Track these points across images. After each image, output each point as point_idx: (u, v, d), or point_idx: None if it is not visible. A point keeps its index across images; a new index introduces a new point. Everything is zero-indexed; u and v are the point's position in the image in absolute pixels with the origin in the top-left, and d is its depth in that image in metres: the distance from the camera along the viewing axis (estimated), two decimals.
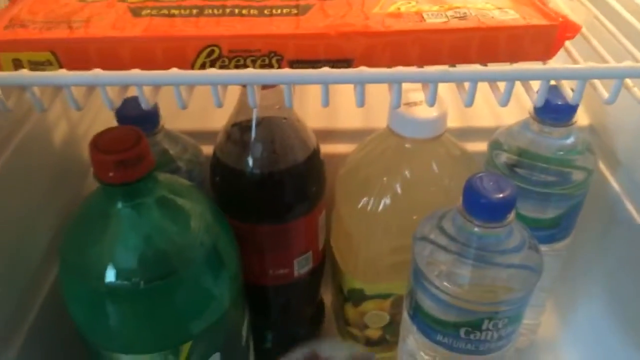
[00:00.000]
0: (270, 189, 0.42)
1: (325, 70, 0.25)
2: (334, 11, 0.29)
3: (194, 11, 0.29)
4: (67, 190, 0.48)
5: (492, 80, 0.25)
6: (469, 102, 0.25)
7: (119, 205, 0.32)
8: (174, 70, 0.24)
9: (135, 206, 0.33)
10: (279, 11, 0.29)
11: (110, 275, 0.33)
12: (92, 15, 0.28)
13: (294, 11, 0.29)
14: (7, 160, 0.39)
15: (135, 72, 0.24)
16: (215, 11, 0.29)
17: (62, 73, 0.24)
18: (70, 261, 0.35)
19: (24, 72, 0.24)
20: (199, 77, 0.24)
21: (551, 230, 0.45)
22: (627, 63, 0.25)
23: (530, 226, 0.40)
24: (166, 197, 0.33)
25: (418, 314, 0.38)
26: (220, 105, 0.27)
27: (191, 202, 0.35)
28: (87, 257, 0.34)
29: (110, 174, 0.30)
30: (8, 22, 0.27)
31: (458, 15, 0.28)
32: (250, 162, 0.41)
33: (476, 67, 0.25)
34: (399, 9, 0.29)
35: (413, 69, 0.25)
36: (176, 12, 0.29)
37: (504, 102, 0.25)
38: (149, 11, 0.29)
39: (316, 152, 0.45)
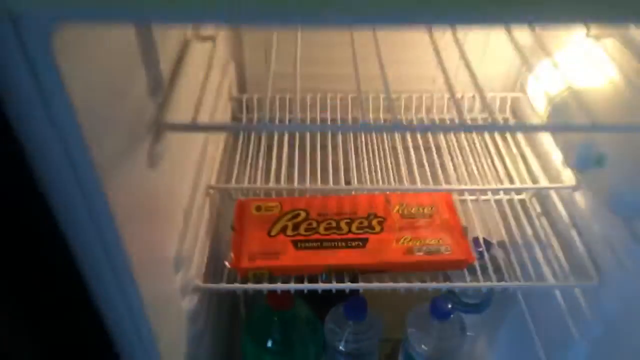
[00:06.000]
0: None
1: (375, 284, 0.66)
2: (379, 244, 0.69)
3: (319, 244, 0.69)
4: None
5: (450, 288, 0.66)
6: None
7: (276, 319, 0.74)
8: (320, 284, 0.65)
9: (284, 321, 0.74)
10: (353, 244, 0.69)
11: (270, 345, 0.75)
12: (280, 249, 0.68)
13: (360, 244, 0.69)
14: None
15: (308, 284, 0.65)
16: (326, 244, 0.69)
17: (280, 285, 0.65)
18: (249, 343, 0.76)
19: (266, 285, 0.65)
20: (339, 286, 0.65)
21: (477, 307, 0.88)
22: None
23: (464, 307, 0.82)
24: (298, 317, 0.75)
25: None
26: None
27: (308, 322, 0.77)
28: (259, 341, 0.76)
29: (279, 307, 0.72)
30: (248, 256, 0.67)
31: (426, 250, 0.68)
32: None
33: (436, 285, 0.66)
34: (404, 244, 0.69)
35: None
36: (312, 244, 0.69)
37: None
38: (301, 244, 0.69)
39: None
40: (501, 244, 0.78)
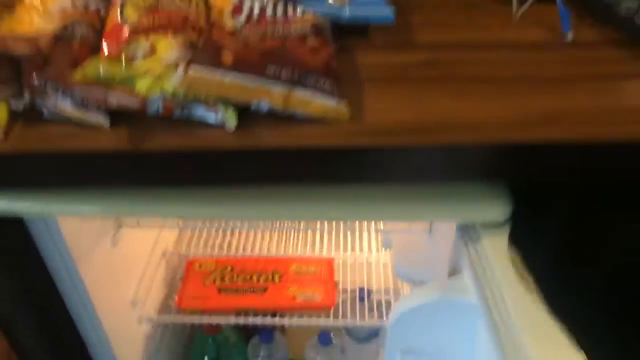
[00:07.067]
0: None
1: (277, 320, 1.00)
2: (275, 292, 1.04)
3: (235, 290, 1.04)
4: None
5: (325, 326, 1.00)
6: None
7: (210, 341, 1.09)
8: (231, 319, 1.00)
9: (215, 342, 1.09)
10: (258, 291, 1.04)
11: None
12: (208, 294, 1.03)
13: (262, 291, 1.04)
14: None
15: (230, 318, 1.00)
16: (240, 291, 1.04)
17: (205, 317, 1.00)
18: (194, 358, 1.11)
19: (196, 317, 1.00)
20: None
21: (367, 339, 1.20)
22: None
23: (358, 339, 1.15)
24: (227, 339, 1.10)
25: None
26: None
27: (235, 344, 1.11)
28: (200, 357, 1.11)
29: (211, 332, 1.07)
30: (187, 298, 1.03)
31: (304, 297, 1.03)
32: None
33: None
34: (291, 292, 1.04)
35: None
36: (230, 291, 1.04)
37: None
38: (223, 291, 1.04)
39: None
40: (383, 291, 1.11)
